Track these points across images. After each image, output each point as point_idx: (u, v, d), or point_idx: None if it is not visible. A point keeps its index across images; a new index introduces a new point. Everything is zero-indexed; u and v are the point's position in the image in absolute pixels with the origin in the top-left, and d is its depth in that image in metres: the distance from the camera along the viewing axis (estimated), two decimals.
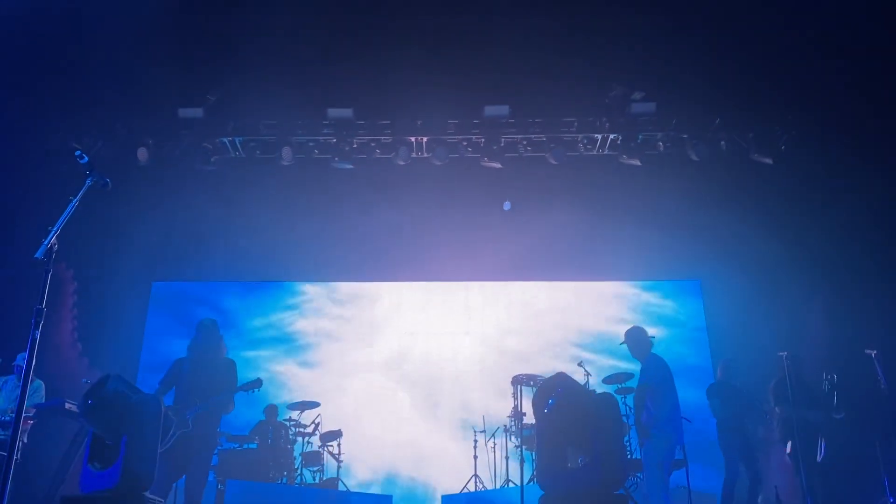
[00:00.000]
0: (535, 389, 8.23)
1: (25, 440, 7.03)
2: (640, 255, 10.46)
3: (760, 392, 7.73)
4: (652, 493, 5.80)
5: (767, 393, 7.59)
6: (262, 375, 6.58)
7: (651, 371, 6.28)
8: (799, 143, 9.45)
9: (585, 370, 9.09)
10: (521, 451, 8.04)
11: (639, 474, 8.04)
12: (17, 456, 6.70)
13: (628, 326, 7.16)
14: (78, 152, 4.10)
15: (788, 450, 7.30)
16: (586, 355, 9.86)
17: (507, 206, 10.28)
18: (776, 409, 7.47)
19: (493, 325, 11.09)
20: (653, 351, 6.73)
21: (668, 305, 11.05)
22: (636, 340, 6.68)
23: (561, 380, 3.13)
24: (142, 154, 9.46)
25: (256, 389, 6.22)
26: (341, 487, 9.42)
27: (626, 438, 8.50)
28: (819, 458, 7.22)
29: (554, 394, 3.06)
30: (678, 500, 7.67)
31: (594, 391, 8.76)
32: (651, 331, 7.10)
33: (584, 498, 2.78)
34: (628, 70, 9.13)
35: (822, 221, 9.35)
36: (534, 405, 4.00)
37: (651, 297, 11.12)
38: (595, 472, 2.80)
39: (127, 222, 9.69)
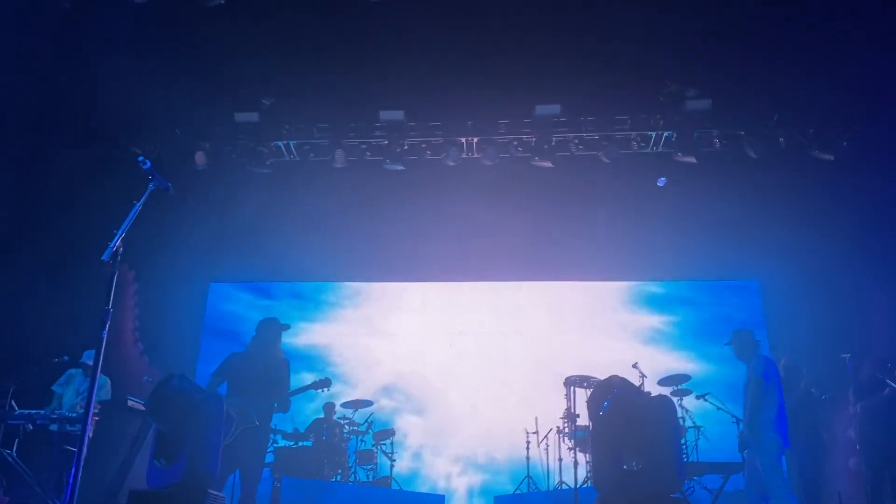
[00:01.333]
0: (588, 390, 8.20)
1: (91, 434, 7.27)
2: (698, 255, 10.27)
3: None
4: (776, 493, 5.65)
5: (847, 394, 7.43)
6: (317, 374, 6.69)
7: (762, 372, 6.10)
8: (862, 140, 9.15)
9: (640, 371, 8.96)
10: (575, 452, 7.99)
11: (696, 478, 7.90)
12: (84, 450, 6.98)
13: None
14: (140, 158, 4.22)
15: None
16: (641, 356, 9.72)
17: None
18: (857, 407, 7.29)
19: (545, 325, 11.03)
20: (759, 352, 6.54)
21: (725, 305, 10.82)
22: (744, 342, 6.52)
23: (617, 382, 3.10)
24: (199, 158, 9.71)
25: (326, 389, 6.34)
26: (394, 486, 9.50)
27: (682, 441, 8.39)
28: None
29: (609, 396, 3.03)
30: (738, 502, 7.54)
31: (650, 393, 8.66)
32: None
33: (641, 502, 2.76)
34: (683, 67, 8.97)
35: (885, 219, 9.03)
36: (588, 407, 3.96)
37: (709, 297, 10.90)
38: (652, 476, 2.77)
39: (185, 224, 9.95)
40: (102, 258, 3.91)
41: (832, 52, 8.23)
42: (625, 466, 3.04)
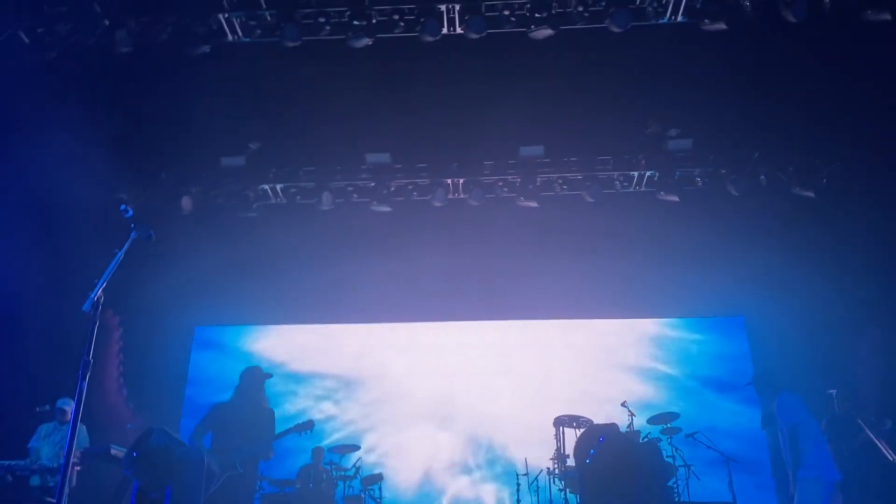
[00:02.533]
0: (578, 430, 8.13)
1: (73, 484, 7.16)
2: (683, 292, 10.33)
3: None
4: None
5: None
6: (302, 417, 6.59)
7: (792, 408, 5.93)
8: (841, 176, 9.28)
9: (630, 410, 8.90)
10: (566, 494, 7.90)
11: None
12: (65, 502, 6.84)
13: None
14: (123, 206, 4.22)
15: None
16: (630, 394, 9.67)
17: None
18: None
19: (532, 365, 11.00)
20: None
21: (712, 342, 10.85)
22: (764, 381, 6.36)
23: (602, 429, 3.07)
24: (186, 203, 9.71)
25: (308, 431, 6.24)
26: None
27: (672, 481, 8.31)
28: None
29: (595, 444, 3.01)
30: None
31: (639, 432, 8.61)
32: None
33: None
34: (664, 107, 9.12)
35: (868, 255, 9.13)
36: (575, 455, 3.90)
37: (695, 335, 10.93)
38: None
39: (171, 268, 9.90)
40: (83, 308, 3.89)
41: (810, 89, 8.39)
42: None
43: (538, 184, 9.87)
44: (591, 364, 10.89)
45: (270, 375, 6.08)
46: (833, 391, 7.40)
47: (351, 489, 9.47)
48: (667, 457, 8.55)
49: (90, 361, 3.76)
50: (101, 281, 3.96)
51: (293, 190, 10.09)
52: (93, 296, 3.87)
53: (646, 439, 8.51)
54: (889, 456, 6.76)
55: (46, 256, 9.08)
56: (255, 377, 5.96)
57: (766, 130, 9.15)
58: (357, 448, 9.76)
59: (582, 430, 7.54)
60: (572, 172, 9.92)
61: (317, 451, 9.49)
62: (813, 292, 9.56)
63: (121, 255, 4.10)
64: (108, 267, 4.06)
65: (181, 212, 9.72)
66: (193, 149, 9.45)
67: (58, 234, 9.21)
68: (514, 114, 8.98)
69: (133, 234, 4.19)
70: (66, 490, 6.87)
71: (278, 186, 10.01)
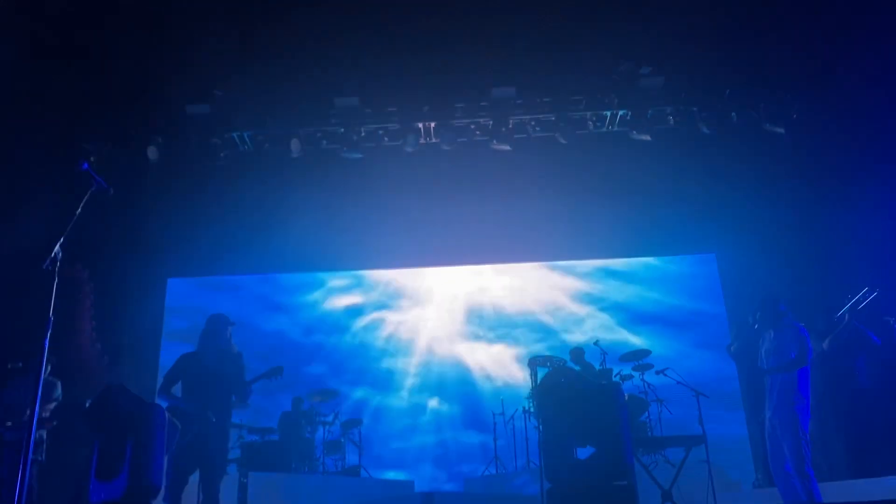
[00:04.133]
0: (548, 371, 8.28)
1: (45, 438, 7.15)
2: (655, 231, 10.39)
3: None
4: (795, 459, 5.58)
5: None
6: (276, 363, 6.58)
7: (800, 338, 5.96)
8: (811, 111, 9.29)
9: (602, 349, 9.07)
10: (541, 431, 8.08)
11: (659, 452, 8.04)
12: (41, 456, 6.86)
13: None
14: (80, 161, 4.12)
15: None
16: (602, 333, 9.83)
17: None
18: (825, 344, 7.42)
19: (508, 307, 11.10)
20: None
21: (683, 280, 10.99)
22: (772, 306, 6.35)
23: (563, 373, 3.12)
24: (152, 152, 9.53)
25: (278, 377, 6.24)
26: (363, 475, 9.52)
27: (644, 416, 8.51)
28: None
29: (556, 387, 3.06)
30: (700, 472, 7.68)
31: (611, 370, 8.78)
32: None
33: (588, 490, 2.79)
34: (635, 45, 9.01)
35: (837, 190, 9.20)
36: (537, 400, 3.96)
37: (667, 273, 11.06)
38: (598, 463, 2.81)
39: (140, 220, 9.77)
40: (43, 266, 3.83)
41: (780, 25, 8.32)
42: (575, 455, 3.08)
43: (511, 126, 9.78)
44: (565, 304, 11.02)
45: (233, 323, 6.05)
46: (801, 325, 7.56)
47: (331, 434, 9.62)
48: (640, 393, 8.77)
49: (52, 319, 3.71)
50: (60, 239, 3.89)
51: (260, 137, 9.91)
52: (52, 252, 3.81)
53: (617, 377, 8.70)
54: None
55: (15, 210, 8.92)
56: (220, 323, 5.92)
57: (737, 68, 9.11)
58: (336, 394, 9.86)
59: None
60: (545, 113, 9.83)
61: (296, 399, 9.58)
62: (783, 228, 9.66)
63: (78, 212, 4.02)
64: (67, 224, 3.99)
65: (148, 162, 9.53)
66: (157, 96, 9.22)
67: (22, 189, 9.03)
68: (485, 53, 8.84)
69: (91, 189, 4.10)
70: (43, 445, 6.89)
71: (245, 134, 9.83)
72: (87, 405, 3.12)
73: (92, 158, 9.30)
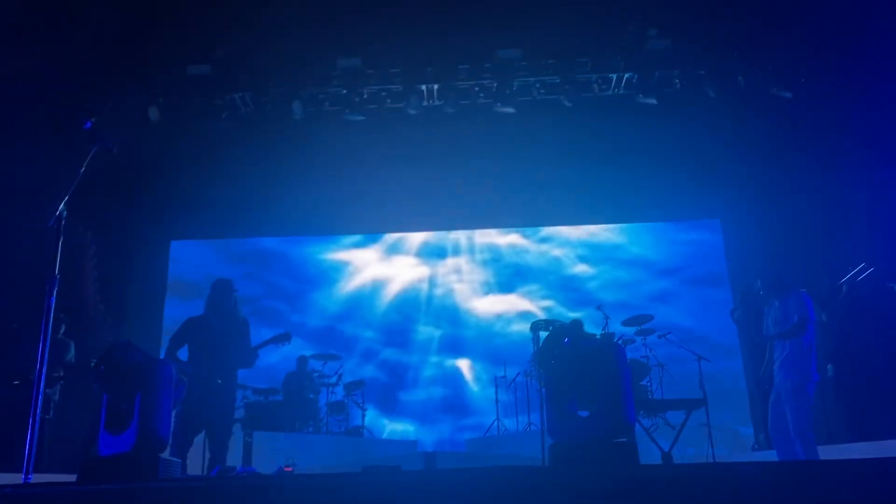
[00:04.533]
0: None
1: (57, 397, 7.27)
2: (659, 197, 10.35)
3: None
4: (797, 423, 5.66)
5: None
6: (282, 329, 6.65)
7: (803, 304, 5.99)
8: (819, 75, 9.17)
9: (604, 313, 9.11)
10: (542, 394, 8.15)
11: (659, 415, 8.12)
12: (49, 414, 6.96)
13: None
14: (84, 121, 4.11)
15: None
16: (606, 297, 9.86)
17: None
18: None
19: (511, 272, 11.12)
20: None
21: (687, 245, 10.99)
22: (777, 276, 6.36)
23: (564, 333, 3.14)
24: (153, 113, 9.46)
25: (286, 342, 6.33)
26: (366, 435, 9.64)
27: (646, 380, 8.58)
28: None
29: (560, 345, 3.08)
30: (700, 436, 7.78)
31: (613, 334, 8.82)
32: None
33: (589, 446, 2.83)
34: (642, 6, 8.88)
35: (842, 156, 9.13)
36: (540, 358, 3.99)
37: (671, 238, 11.05)
38: (600, 421, 2.84)
39: (143, 182, 9.75)
40: (49, 225, 3.84)
41: None
42: (578, 413, 3.11)
43: (515, 88, 9.69)
44: (568, 268, 11.03)
45: (237, 290, 6.10)
46: (803, 290, 7.58)
47: (334, 395, 9.73)
48: (641, 357, 8.84)
49: (57, 277, 3.73)
50: (64, 197, 3.89)
51: (262, 99, 9.83)
52: (56, 211, 3.82)
53: (620, 341, 8.75)
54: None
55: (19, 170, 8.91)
56: (225, 289, 5.97)
57: (744, 31, 8.97)
58: (339, 357, 9.94)
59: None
60: (550, 76, 9.72)
61: (301, 360, 9.67)
62: (788, 194, 9.62)
63: (82, 171, 4.02)
64: (71, 183, 3.99)
65: (150, 123, 9.48)
66: (158, 57, 9.13)
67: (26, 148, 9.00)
68: (489, 14, 8.72)
69: (93, 149, 4.09)
70: (51, 403, 6.97)
71: (247, 95, 9.75)
72: (95, 361, 3.15)
73: (94, 119, 9.24)
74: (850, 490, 2.52)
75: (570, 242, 11.20)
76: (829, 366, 7.48)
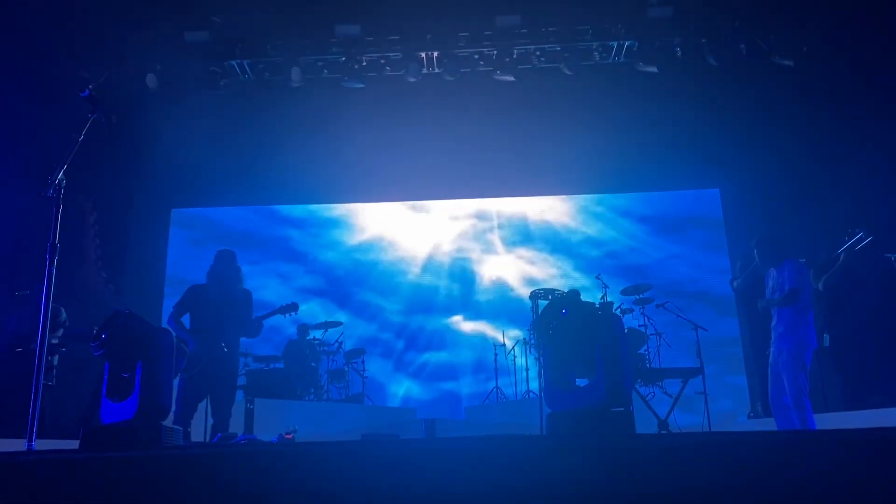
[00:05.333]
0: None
1: (56, 364, 7.31)
2: (659, 166, 10.32)
3: None
4: (794, 390, 5.71)
5: None
6: (284, 298, 6.70)
7: (797, 273, 6.00)
8: (822, 44, 9.09)
9: (603, 282, 9.14)
10: (541, 362, 8.22)
11: (657, 384, 8.19)
12: (52, 381, 7.01)
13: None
14: (81, 88, 4.08)
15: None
16: (605, 267, 9.87)
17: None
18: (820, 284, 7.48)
19: (510, 240, 11.13)
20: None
21: (687, 215, 10.99)
22: (772, 245, 6.33)
23: (563, 302, 3.16)
24: (151, 80, 9.40)
25: (293, 313, 6.38)
26: (367, 402, 9.73)
27: (643, 348, 8.64)
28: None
29: (559, 314, 3.10)
30: (697, 404, 7.85)
31: (612, 303, 8.86)
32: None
33: (586, 415, 2.86)
34: None
35: (845, 125, 9.08)
36: (539, 327, 4.01)
37: (671, 208, 11.05)
38: (597, 390, 2.87)
39: (143, 149, 9.71)
40: (46, 193, 3.84)
41: None
42: (575, 382, 3.14)
43: (515, 56, 9.61)
44: (567, 238, 11.05)
45: (240, 267, 6.12)
46: (802, 260, 7.61)
47: (335, 363, 9.80)
48: (639, 326, 8.89)
49: (57, 245, 3.74)
50: (62, 165, 3.89)
51: (261, 66, 9.75)
52: (53, 180, 3.81)
53: (618, 310, 8.79)
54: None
55: (17, 138, 8.87)
56: (228, 259, 5.99)
57: None
58: (339, 324, 10.00)
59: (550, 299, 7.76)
60: (550, 43, 9.64)
61: (301, 328, 9.73)
62: (789, 164, 9.60)
63: (80, 139, 4.00)
64: (69, 151, 3.98)
65: (148, 91, 9.42)
66: (155, 23, 9.02)
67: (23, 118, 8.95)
68: None
69: (91, 117, 4.07)
70: (53, 371, 7.02)
71: (245, 62, 9.67)
72: (97, 330, 3.18)
73: (91, 86, 9.17)
74: (845, 459, 2.56)
75: (569, 211, 11.19)
76: (825, 335, 7.52)
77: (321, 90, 9.79)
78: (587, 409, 2.86)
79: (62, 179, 3.81)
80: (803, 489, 2.45)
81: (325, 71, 9.74)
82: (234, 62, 9.64)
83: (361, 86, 9.66)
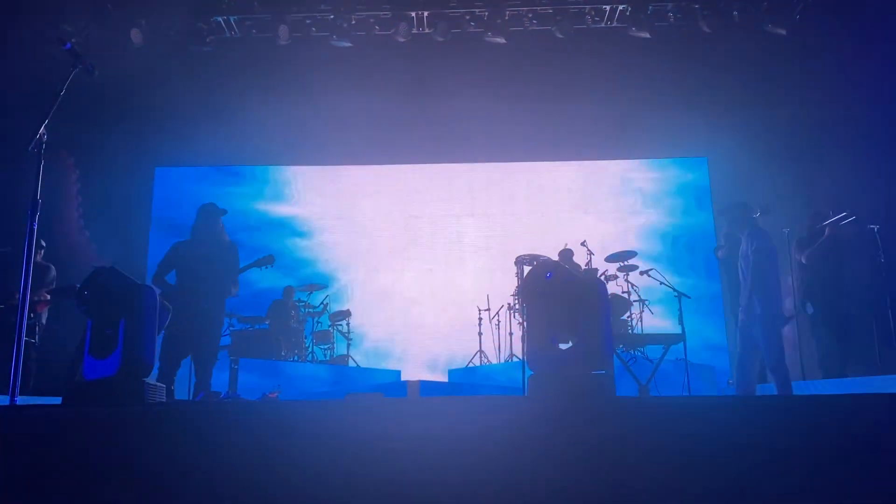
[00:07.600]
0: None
1: (44, 321, 7.30)
2: (647, 133, 10.28)
3: None
4: (775, 365, 5.79)
5: None
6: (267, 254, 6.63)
7: (764, 240, 6.03)
8: (814, 12, 9.05)
9: (588, 249, 9.17)
10: (524, 326, 8.27)
11: (639, 349, 8.27)
12: (35, 339, 6.99)
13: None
14: (63, 41, 4.00)
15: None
16: (590, 233, 9.90)
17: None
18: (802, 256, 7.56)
19: (497, 207, 11.12)
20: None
21: (675, 182, 11.01)
22: (738, 214, 6.36)
23: (550, 265, 3.17)
24: (135, 35, 9.23)
25: (269, 266, 6.31)
26: (351, 364, 9.79)
27: (626, 315, 8.72)
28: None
29: (543, 279, 3.11)
30: (678, 372, 7.95)
31: (596, 269, 8.91)
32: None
33: (567, 378, 2.89)
34: None
35: (832, 95, 9.07)
36: (523, 291, 4.03)
37: (658, 175, 11.05)
38: (579, 353, 2.90)
39: (126, 106, 9.56)
40: (28, 149, 3.79)
41: None
42: (558, 346, 3.16)
43: (507, 18, 9.51)
44: (554, 205, 11.05)
45: (225, 211, 6.06)
46: (786, 230, 7.67)
47: (319, 325, 9.82)
48: (623, 293, 8.96)
49: (39, 201, 3.70)
50: (44, 120, 3.83)
51: (248, 23, 9.59)
52: (36, 135, 3.76)
53: (602, 277, 8.84)
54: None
55: None
56: (211, 213, 5.94)
57: None
58: (325, 286, 10.00)
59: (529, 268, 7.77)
60: (543, 6, 9.53)
61: (287, 290, 9.72)
62: (778, 133, 9.60)
63: (62, 92, 3.94)
64: (51, 105, 3.92)
65: (132, 46, 9.25)
66: None
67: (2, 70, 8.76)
68: None
69: (74, 70, 4.00)
70: (37, 328, 6.99)
71: (232, 18, 9.50)
72: (79, 286, 3.16)
73: (73, 40, 8.99)
74: (822, 424, 2.61)
75: (558, 177, 11.17)
76: (808, 304, 7.61)
77: (308, 48, 9.65)
78: (569, 371, 2.89)
79: (44, 134, 3.75)
80: (779, 451, 2.50)
81: (313, 29, 9.61)
82: (220, 18, 9.47)
83: (349, 45, 9.53)
